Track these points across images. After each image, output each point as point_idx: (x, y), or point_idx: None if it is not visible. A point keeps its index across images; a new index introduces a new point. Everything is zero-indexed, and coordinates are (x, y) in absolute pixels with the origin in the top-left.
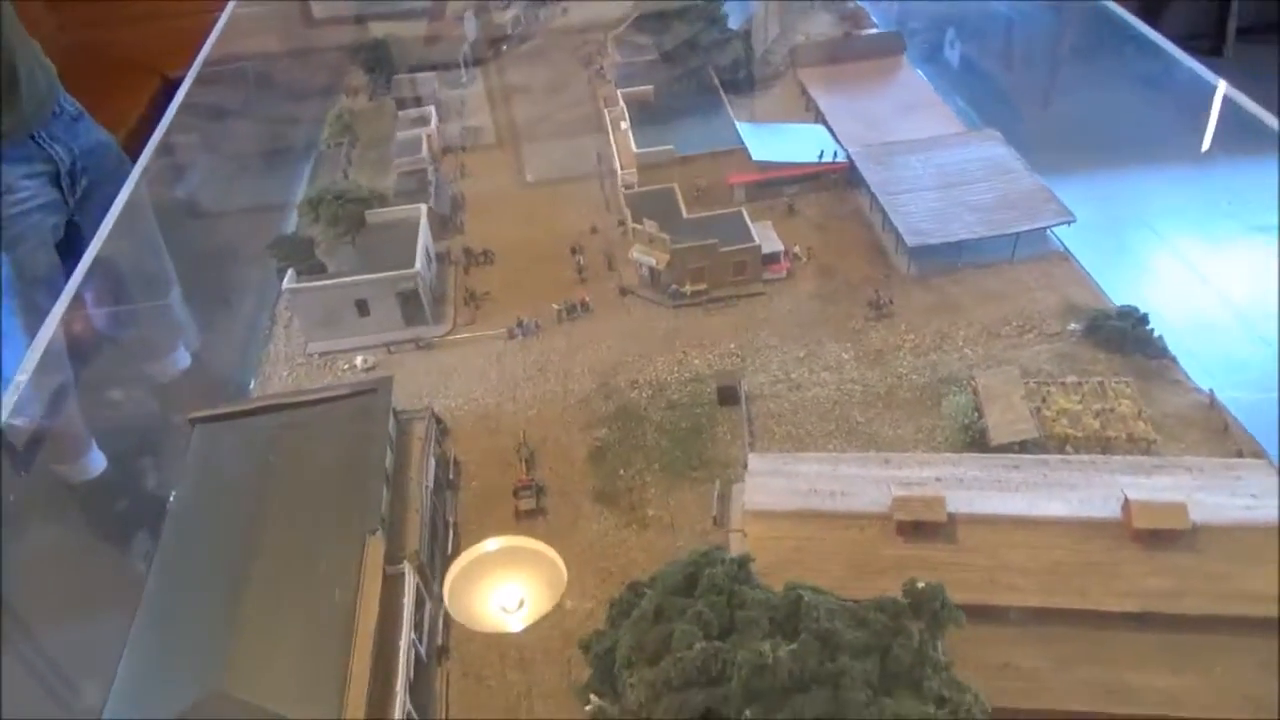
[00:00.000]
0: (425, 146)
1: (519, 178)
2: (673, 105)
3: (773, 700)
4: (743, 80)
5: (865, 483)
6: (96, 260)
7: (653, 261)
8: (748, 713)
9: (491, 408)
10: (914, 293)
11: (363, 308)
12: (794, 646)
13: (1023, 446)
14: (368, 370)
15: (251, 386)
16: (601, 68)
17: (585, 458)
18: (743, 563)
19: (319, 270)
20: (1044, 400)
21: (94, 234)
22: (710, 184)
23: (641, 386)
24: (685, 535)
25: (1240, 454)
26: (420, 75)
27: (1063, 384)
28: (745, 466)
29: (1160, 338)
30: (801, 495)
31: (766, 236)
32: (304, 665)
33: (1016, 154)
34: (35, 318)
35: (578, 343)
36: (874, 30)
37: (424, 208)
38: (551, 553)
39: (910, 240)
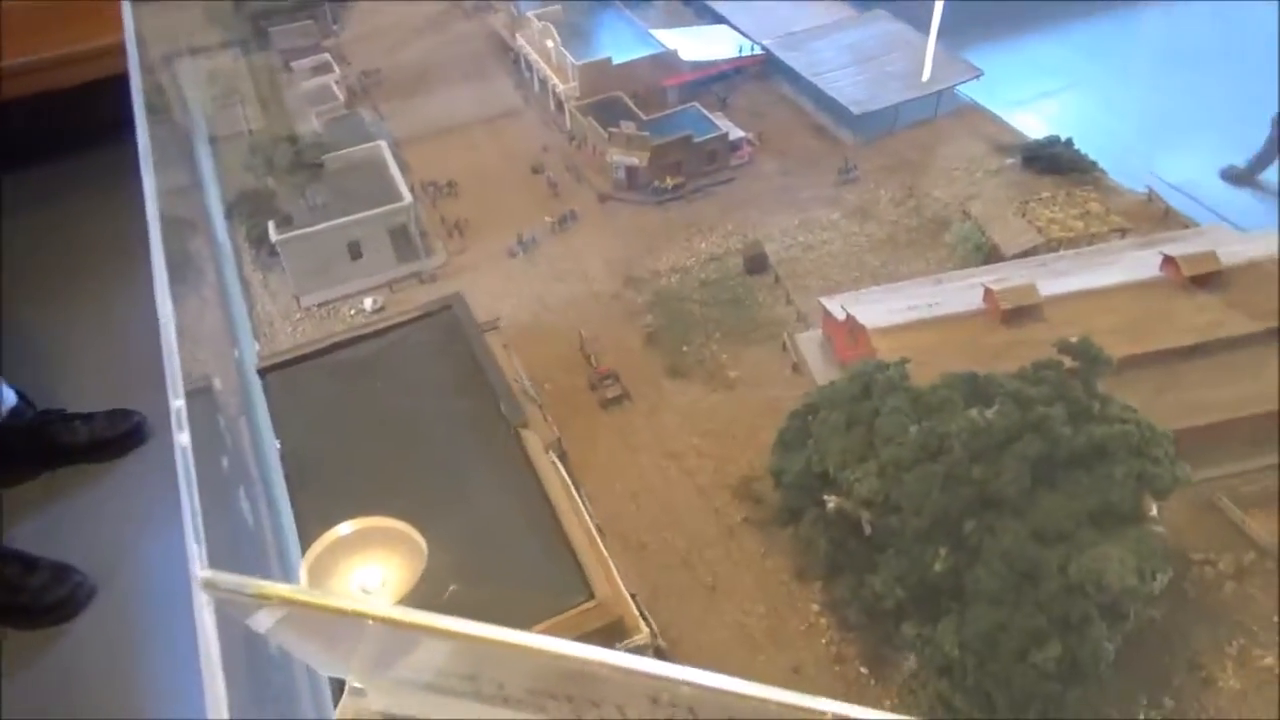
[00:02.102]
0: (339, 92)
1: (438, 113)
2: (582, 22)
3: (991, 455)
4: None
5: (945, 293)
6: None
7: (634, 161)
8: (975, 470)
9: (529, 319)
10: (865, 157)
11: (355, 250)
12: (995, 408)
13: (1026, 254)
14: (377, 311)
15: (256, 349)
16: None
17: (642, 343)
18: (902, 363)
19: (288, 222)
20: (1028, 215)
21: None
22: (644, 89)
23: (665, 274)
24: (773, 386)
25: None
26: (293, 26)
27: (1039, 199)
28: (799, 320)
29: (1086, 155)
30: (902, 312)
31: (725, 126)
32: (527, 551)
33: (910, 27)
34: None
35: (580, 249)
36: None
37: (384, 144)
38: (406, 528)
39: (855, 109)
